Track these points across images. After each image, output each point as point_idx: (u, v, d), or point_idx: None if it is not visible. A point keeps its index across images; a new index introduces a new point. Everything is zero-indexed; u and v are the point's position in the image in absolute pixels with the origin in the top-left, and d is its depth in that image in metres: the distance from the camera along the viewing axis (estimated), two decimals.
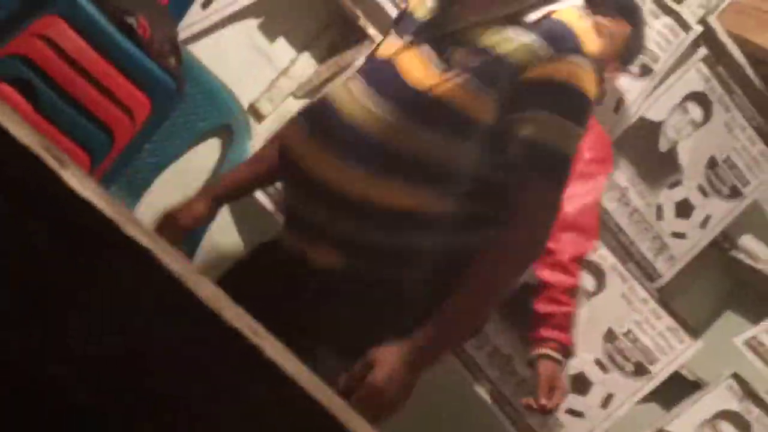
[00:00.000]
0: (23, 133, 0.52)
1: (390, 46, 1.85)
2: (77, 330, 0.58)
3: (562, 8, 1.74)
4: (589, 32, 1.78)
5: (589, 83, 1.71)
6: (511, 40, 1.69)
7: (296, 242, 1.74)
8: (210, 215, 2.09)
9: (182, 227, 2.07)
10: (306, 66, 2.91)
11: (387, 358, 1.65)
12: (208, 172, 2.84)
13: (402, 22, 1.95)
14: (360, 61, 2.70)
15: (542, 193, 1.73)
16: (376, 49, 1.95)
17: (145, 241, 0.53)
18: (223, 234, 2.85)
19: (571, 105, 1.70)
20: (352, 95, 1.73)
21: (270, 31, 2.87)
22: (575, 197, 2.49)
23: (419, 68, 1.71)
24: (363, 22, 2.81)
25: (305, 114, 1.87)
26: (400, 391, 1.66)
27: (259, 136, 2.80)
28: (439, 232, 1.72)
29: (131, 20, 2.50)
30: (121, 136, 2.60)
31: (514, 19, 1.72)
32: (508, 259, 1.73)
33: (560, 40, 1.69)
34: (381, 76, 1.74)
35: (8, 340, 0.58)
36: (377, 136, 1.67)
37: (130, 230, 0.53)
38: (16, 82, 2.27)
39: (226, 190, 2.18)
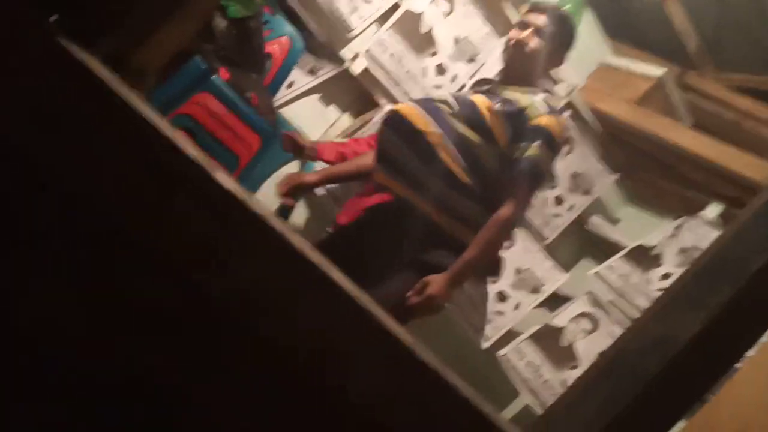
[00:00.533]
0: (193, 151, 0.50)
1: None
2: None
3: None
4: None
5: (560, 130, 1.81)
6: (526, 101, 1.78)
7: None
8: (317, 185, 2.14)
9: (300, 185, 2.11)
10: (345, 121, 2.96)
11: (437, 279, 1.64)
12: None
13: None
14: (377, 117, 2.76)
15: (531, 189, 1.76)
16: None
17: (270, 218, 0.49)
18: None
19: (551, 141, 1.76)
20: (449, 103, 1.82)
21: (325, 101, 2.90)
22: None
23: (484, 104, 1.78)
24: (377, 96, 2.83)
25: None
26: (443, 299, 1.67)
27: (318, 162, 2.71)
28: (470, 200, 1.74)
29: (248, 95, 2.47)
30: (244, 159, 2.56)
31: (527, 93, 1.83)
32: (508, 224, 1.73)
33: (551, 108, 1.82)
34: (462, 102, 1.82)
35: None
36: (461, 132, 1.75)
37: (254, 206, 0.49)
38: (186, 130, 2.24)
39: (330, 175, 2.17)
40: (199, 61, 2.28)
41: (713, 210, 2.68)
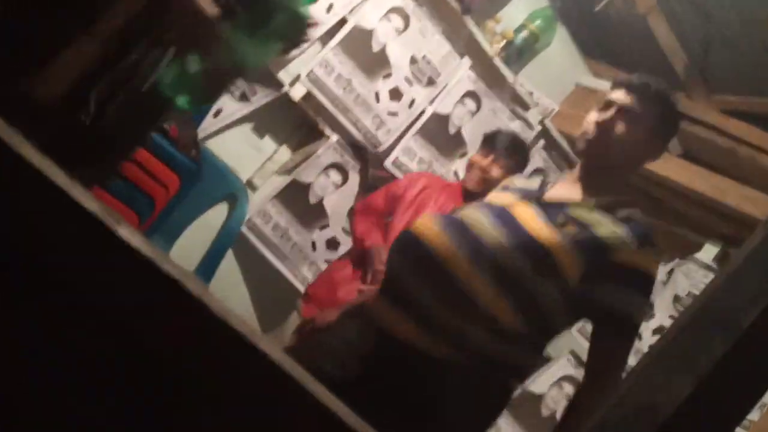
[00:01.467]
0: (91, 204, 0.49)
1: (500, 197, 1.66)
2: None
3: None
4: None
5: (656, 268, 1.58)
6: (607, 226, 1.52)
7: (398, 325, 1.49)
8: None
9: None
10: (284, 154, 3.01)
11: None
12: (219, 226, 2.86)
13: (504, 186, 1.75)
14: (322, 150, 2.91)
15: (625, 352, 1.55)
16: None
17: (184, 279, 0.51)
18: (231, 285, 2.92)
19: (647, 287, 1.56)
20: (482, 222, 1.52)
21: (260, 131, 2.94)
22: None
23: (535, 221, 1.52)
24: (321, 125, 2.90)
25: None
26: None
27: (253, 201, 2.90)
28: (513, 348, 1.51)
29: (166, 126, 2.48)
30: (160, 203, 2.59)
31: (607, 210, 1.55)
32: (601, 396, 1.47)
33: (643, 237, 1.52)
34: (501, 217, 1.53)
35: None
36: (501, 260, 1.45)
37: (165, 266, 0.50)
38: None
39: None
40: None
41: (709, 251, 2.71)
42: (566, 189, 1.62)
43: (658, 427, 0.62)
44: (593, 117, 1.63)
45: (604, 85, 3.19)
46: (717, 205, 2.55)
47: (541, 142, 3.08)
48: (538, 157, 3.05)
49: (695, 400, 0.64)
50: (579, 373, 2.71)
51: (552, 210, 1.53)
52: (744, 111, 3.08)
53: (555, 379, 2.74)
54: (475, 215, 1.53)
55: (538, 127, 3.05)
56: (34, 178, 0.47)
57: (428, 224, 1.53)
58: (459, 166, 2.98)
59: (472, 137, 2.93)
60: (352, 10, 2.75)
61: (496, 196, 1.66)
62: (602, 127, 1.59)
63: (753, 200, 2.53)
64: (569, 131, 3.11)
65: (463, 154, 2.97)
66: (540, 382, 2.76)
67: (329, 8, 2.69)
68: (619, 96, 1.62)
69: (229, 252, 2.78)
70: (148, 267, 0.51)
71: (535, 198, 1.57)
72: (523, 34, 3.15)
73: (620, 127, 1.58)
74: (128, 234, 0.54)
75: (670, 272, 2.77)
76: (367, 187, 2.90)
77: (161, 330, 0.53)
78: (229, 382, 0.54)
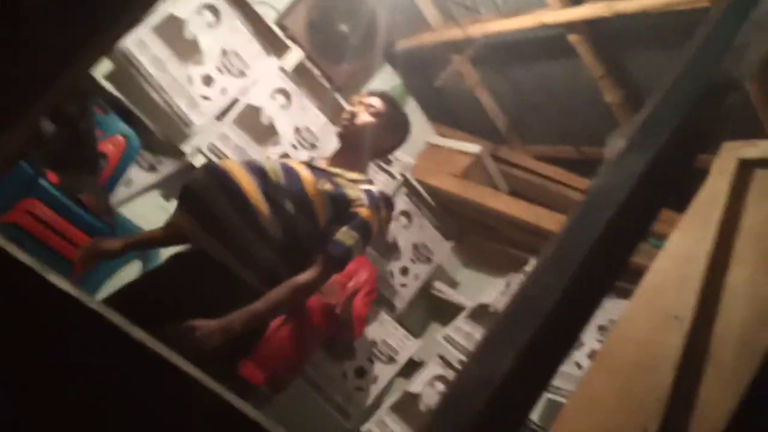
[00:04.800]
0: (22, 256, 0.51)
1: (290, 160, 1.98)
2: None
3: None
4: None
5: (374, 221, 1.80)
6: (354, 189, 1.79)
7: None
8: (119, 253, 1.90)
9: (99, 253, 1.88)
10: None
11: (206, 324, 1.55)
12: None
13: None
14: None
15: (331, 271, 1.73)
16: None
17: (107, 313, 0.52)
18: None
19: (368, 235, 1.78)
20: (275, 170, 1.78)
21: (167, 197, 2.84)
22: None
23: (310, 179, 1.78)
24: None
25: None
26: (209, 344, 1.54)
27: (161, 255, 2.66)
28: (273, 255, 1.70)
29: (81, 196, 2.42)
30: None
31: (354, 182, 1.84)
32: (301, 291, 1.69)
33: (372, 201, 1.79)
34: (289, 173, 1.80)
35: None
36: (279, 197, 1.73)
37: (91, 304, 0.52)
38: (11, 241, 2.01)
39: (135, 241, 1.98)
40: (25, 166, 2.19)
41: (533, 265, 2.94)
42: (330, 164, 1.91)
43: (490, 394, 0.69)
44: (346, 112, 1.97)
45: (447, 142, 3.42)
46: (536, 228, 2.68)
47: (404, 189, 3.17)
48: (401, 201, 3.13)
49: (516, 370, 0.71)
50: (448, 373, 2.81)
51: (321, 175, 1.81)
52: (552, 156, 3.32)
53: (428, 379, 2.80)
54: (270, 164, 1.80)
55: (400, 178, 3.14)
56: None
57: (233, 162, 1.78)
58: None
59: None
60: (243, 92, 2.76)
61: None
62: (352, 115, 1.91)
63: (562, 223, 2.76)
64: (424, 179, 3.25)
65: None
66: (416, 383, 2.82)
67: (223, 91, 2.70)
68: (366, 99, 1.95)
69: None
70: (76, 304, 0.53)
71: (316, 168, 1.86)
72: None
73: (365, 117, 1.91)
74: (57, 280, 0.55)
75: (507, 284, 2.93)
76: None
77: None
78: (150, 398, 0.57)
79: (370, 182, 1.88)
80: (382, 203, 1.82)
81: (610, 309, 2.36)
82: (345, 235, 1.72)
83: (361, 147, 1.90)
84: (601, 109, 2.80)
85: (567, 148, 3.19)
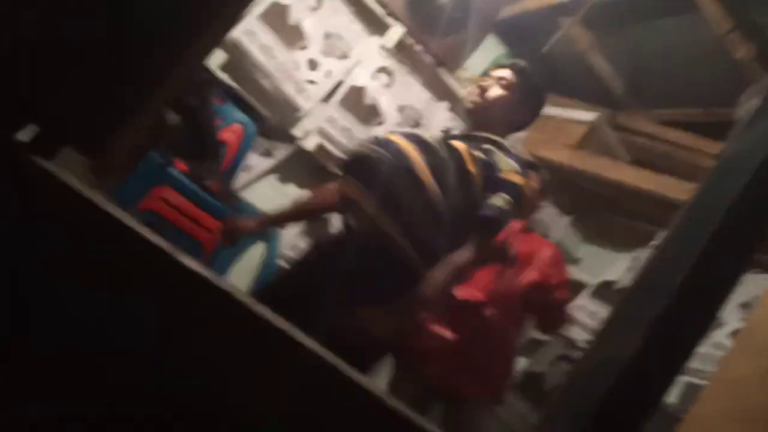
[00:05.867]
0: (159, 240, 0.53)
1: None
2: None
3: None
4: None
5: (524, 183, 1.73)
6: (500, 155, 1.72)
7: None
8: (256, 229, 2.01)
9: (238, 229, 1.95)
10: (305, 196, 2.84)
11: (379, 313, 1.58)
12: (259, 261, 2.80)
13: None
14: None
15: (488, 237, 1.69)
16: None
17: (236, 293, 0.52)
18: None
19: (519, 198, 1.72)
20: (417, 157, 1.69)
21: (283, 180, 2.92)
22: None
23: (465, 150, 1.71)
24: (332, 169, 2.84)
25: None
26: (383, 333, 1.59)
27: (284, 238, 2.81)
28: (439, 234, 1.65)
29: (207, 183, 2.53)
30: (208, 246, 2.55)
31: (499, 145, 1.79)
32: (462, 267, 1.63)
33: (522, 166, 1.73)
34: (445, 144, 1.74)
35: None
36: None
37: (221, 284, 0.52)
38: (149, 225, 2.16)
39: (268, 219, 2.03)
40: (155, 156, 2.32)
41: (661, 238, 2.76)
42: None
43: (617, 375, 0.66)
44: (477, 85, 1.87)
45: (559, 111, 3.25)
46: (663, 198, 2.55)
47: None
48: None
49: (645, 351, 0.67)
50: (573, 353, 2.69)
51: (470, 142, 1.72)
52: (677, 120, 3.11)
53: (551, 358, 2.73)
54: (429, 136, 1.72)
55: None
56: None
57: (398, 136, 1.70)
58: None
59: None
60: (346, 73, 2.78)
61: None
62: (482, 89, 1.82)
63: (691, 192, 2.57)
64: (537, 152, 3.10)
65: None
66: (539, 363, 2.74)
67: (328, 74, 2.75)
68: (495, 72, 1.85)
69: None
70: (207, 285, 0.56)
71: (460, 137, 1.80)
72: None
73: (495, 91, 1.80)
74: (190, 262, 0.59)
75: (635, 259, 2.77)
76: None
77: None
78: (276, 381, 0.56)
79: (515, 150, 1.80)
80: (530, 169, 1.76)
81: (753, 285, 2.18)
82: (497, 199, 1.66)
83: (493, 123, 1.79)
84: (730, 66, 2.57)
85: (694, 110, 2.98)
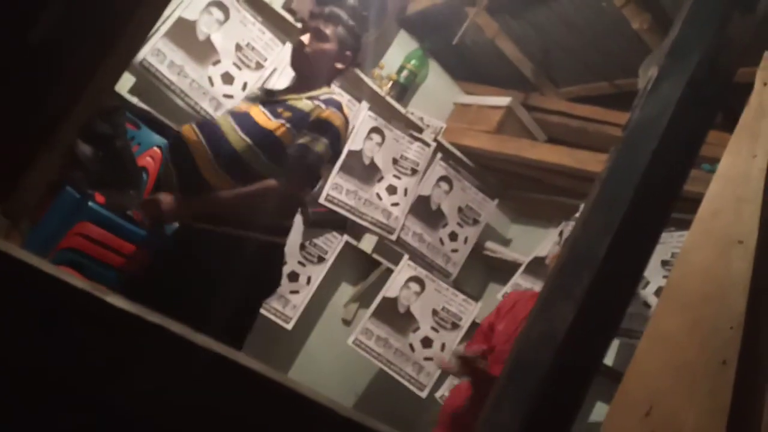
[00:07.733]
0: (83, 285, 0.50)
1: (243, 105, 1.99)
2: None
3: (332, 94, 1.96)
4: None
5: (335, 118, 1.87)
6: (310, 104, 1.87)
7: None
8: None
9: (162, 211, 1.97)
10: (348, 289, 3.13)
11: (168, 199, 1.84)
12: None
13: (248, 97, 2.08)
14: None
15: (297, 171, 1.81)
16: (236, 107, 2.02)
17: (168, 325, 0.52)
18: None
19: (330, 129, 1.86)
20: (232, 127, 1.86)
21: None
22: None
23: (264, 118, 1.86)
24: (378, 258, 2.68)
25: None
26: (167, 218, 1.92)
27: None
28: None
29: (129, 213, 2.42)
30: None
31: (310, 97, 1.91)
32: (268, 192, 1.78)
33: (330, 103, 1.87)
34: (243, 120, 1.88)
35: None
36: (241, 153, 1.82)
37: (150, 318, 0.52)
38: (70, 264, 2.17)
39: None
40: (70, 191, 2.23)
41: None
42: (288, 92, 1.97)
43: (556, 349, 0.69)
44: (295, 39, 1.98)
45: (476, 99, 3.36)
46: (580, 172, 2.64)
47: (439, 154, 3.15)
48: (439, 168, 3.12)
49: (579, 322, 0.70)
50: None
51: (278, 106, 1.88)
52: (586, 95, 3.21)
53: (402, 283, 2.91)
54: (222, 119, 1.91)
55: (434, 144, 3.11)
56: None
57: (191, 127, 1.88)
58: (379, 188, 2.99)
59: (383, 163, 2.98)
60: (262, 83, 2.72)
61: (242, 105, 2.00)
62: (300, 44, 1.93)
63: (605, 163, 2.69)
64: (458, 141, 3.23)
65: (380, 179, 2.99)
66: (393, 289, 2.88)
67: (244, 86, 2.72)
68: (314, 22, 1.95)
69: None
70: (136, 321, 0.55)
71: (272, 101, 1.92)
72: (404, 73, 3.24)
73: (314, 46, 1.93)
74: (116, 300, 0.56)
75: (560, 233, 2.88)
76: (310, 223, 2.85)
77: None
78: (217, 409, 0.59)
79: (327, 91, 1.93)
80: (340, 106, 1.88)
81: (671, 242, 2.27)
82: (301, 137, 1.81)
83: (315, 73, 1.94)
84: (629, 37, 2.70)
85: (601, 84, 3.09)
